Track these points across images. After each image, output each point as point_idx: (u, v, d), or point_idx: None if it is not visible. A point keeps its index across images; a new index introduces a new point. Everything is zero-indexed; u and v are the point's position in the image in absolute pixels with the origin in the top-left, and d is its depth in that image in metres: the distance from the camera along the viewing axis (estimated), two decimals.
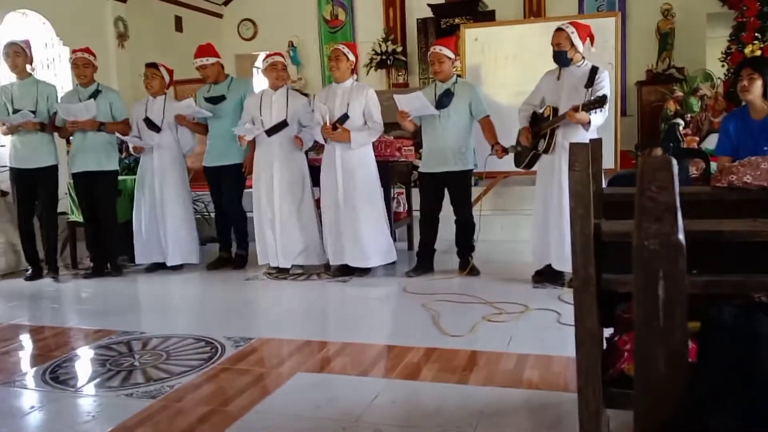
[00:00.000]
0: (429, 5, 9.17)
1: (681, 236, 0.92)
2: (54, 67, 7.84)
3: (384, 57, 9.63)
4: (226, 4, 10.88)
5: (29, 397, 2.83)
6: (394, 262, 4.88)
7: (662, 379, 0.92)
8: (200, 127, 5.24)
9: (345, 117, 4.62)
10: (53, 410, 2.69)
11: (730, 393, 0.94)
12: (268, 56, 4.98)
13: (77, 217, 5.40)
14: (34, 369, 3.19)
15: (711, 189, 2.10)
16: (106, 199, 5.15)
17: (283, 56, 5.02)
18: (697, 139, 6.26)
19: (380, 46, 9.64)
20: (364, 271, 4.78)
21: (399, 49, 9.72)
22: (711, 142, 6.54)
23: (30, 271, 5.19)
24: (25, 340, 3.75)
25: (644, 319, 0.94)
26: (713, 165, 5.27)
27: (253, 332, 3.57)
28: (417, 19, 9.64)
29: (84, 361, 3.28)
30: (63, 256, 5.64)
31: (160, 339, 3.51)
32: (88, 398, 2.77)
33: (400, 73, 9.86)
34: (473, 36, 5.63)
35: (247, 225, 5.29)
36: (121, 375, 3.00)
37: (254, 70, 10.55)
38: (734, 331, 0.99)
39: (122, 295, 4.67)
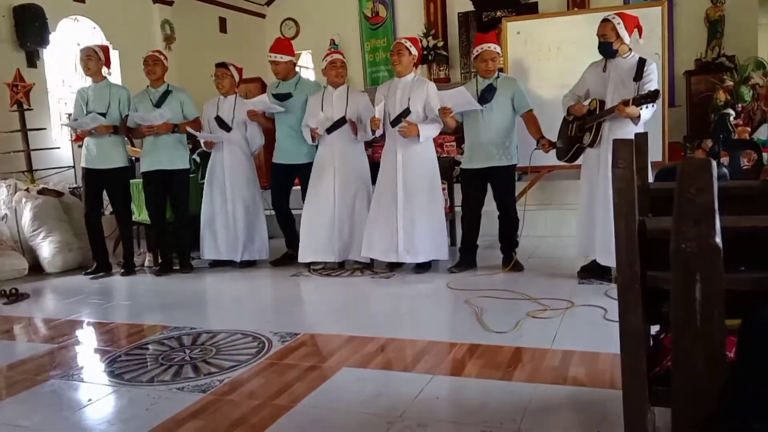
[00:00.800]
0: None
1: (718, 239, 0.91)
2: (104, 68, 8.07)
3: (425, 52, 9.61)
4: (268, 4, 11.02)
5: (86, 390, 2.94)
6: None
7: (700, 378, 0.91)
8: (269, 123, 5.31)
9: (407, 111, 4.62)
10: (109, 403, 2.79)
11: None
12: (327, 54, 5.07)
13: (140, 217, 5.56)
14: (92, 363, 3.32)
15: (761, 183, 2.05)
16: (181, 196, 5.29)
17: (342, 54, 5.08)
18: (749, 129, 6.09)
19: (421, 41, 9.62)
20: (421, 267, 4.77)
21: (440, 44, 9.71)
22: (763, 133, 6.35)
23: (93, 268, 5.36)
24: (82, 335, 3.89)
25: (682, 321, 0.94)
26: (765, 156, 5.13)
27: (299, 328, 3.63)
28: (458, 13, 9.61)
29: (137, 355, 3.39)
30: (116, 253, 5.82)
31: (210, 334, 3.61)
32: (141, 391, 2.86)
33: (441, 68, 9.84)
34: (515, 29, 5.58)
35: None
36: (173, 369, 3.10)
37: (296, 68, 10.65)
38: None
39: (177, 292, 4.79)
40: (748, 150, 5.15)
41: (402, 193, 4.65)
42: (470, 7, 9.26)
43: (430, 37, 9.69)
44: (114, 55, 7.96)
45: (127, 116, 5.22)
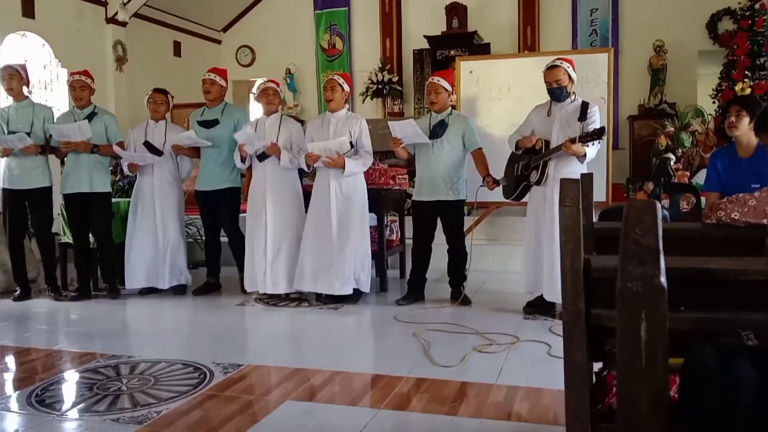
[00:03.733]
0: (425, 36, 9.31)
1: (663, 279, 0.94)
2: (52, 89, 7.88)
3: (380, 86, 9.73)
4: (224, 30, 11.00)
5: (13, 421, 2.79)
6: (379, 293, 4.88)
7: (644, 418, 0.93)
8: (195, 152, 5.27)
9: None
10: None
11: None
12: (262, 83, 5.06)
13: (68, 238, 5.38)
14: (19, 392, 3.15)
15: (701, 225, 2.13)
16: (100, 220, 5.15)
17: (275, 83, 5.08)
18: (688, 174, 6.34)
19: (376, 75, 9.75)
20: (354, 299, 4.76)
21: (395, 79, 9.83)
22: (701, 177, 6.60)
23: (18, 292, 5.15)
24: (11, 361, 3.71)
25: (627, 359, 0.95)
26: (703, 200, 5.33)
27: (242, 359, 3.55)
28: (413, 50, 9.77)
29: (70, 384, 3.25)
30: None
31: (149, 363, 3.48)
32: (73, 422, 2.74)
33: (395, 102, 9.96)
34: (468, 68, 5.72)
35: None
36: (108, 399, 2.97)
37: (251, 95, 10.63)
38: (714, 373, 1.00)
39: (111, 318, 4.63)
40: (687, 194, 5.35)
41: (335, 224, 4.67)
42: (425, 45, 9.44)
43: (385, 72, 9.81)
44: (62, 73, 7.80)
45: (51, 135, 5.06)
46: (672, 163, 6.43)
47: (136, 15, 8.96)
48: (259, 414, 2.77)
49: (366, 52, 10.10)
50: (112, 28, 8.68)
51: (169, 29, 9.88)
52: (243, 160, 4.95)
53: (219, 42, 11.01)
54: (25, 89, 5.17)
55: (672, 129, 7.38)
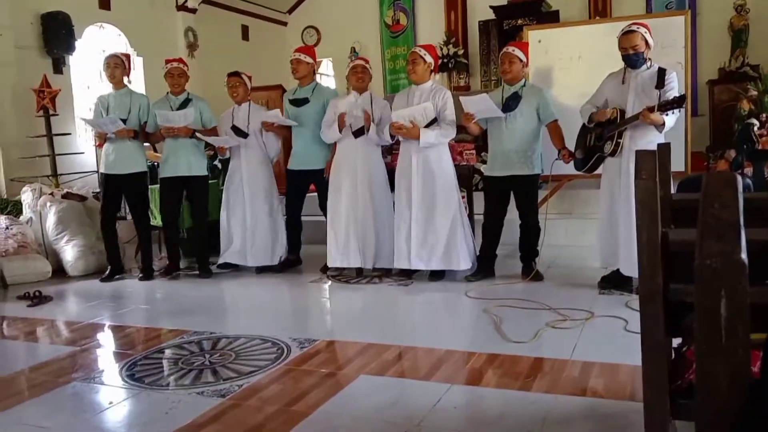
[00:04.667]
0: (491, 7, 9.13)
1: (743, 255, 0.91)
2: (129, 79, 8.18)
3: (445, 60, 9.63)
4: (290, 12, 11.12)
5: (107, 393, 2.97)
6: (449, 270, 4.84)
7: (723, 396, 0.90)
8: (285, 131, 5.37)
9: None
10: (130, 406, 2.82)
11: None
12: (352, 61, 5.14)
13: (157, 221, 5.62)
14: (112, 366, 3.36)
15: None
16: (200, 202, 5.37)
17: (365, 60, 5.12)
18: None
19: (442, 49, 9.65)
20: (434, 275, 4.76)
21: (460, 52, 9.72)
22: None
23: (108, 272, 5.43)
24: (103, 338, 3.94)
25: (706, 337, 0.93)
26: None
27: (317, 334, 3.65)
28: (479, 22, 9.61)
29: (158, 359, 3.43)
30: (136, 258, 5.89)
31: (230, 339, 3.63)
32: (162, 395, 2.89)
33: (461, 76, 9.85)
34: (536, 38, 5.57)
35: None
36: (193, 373, 3.12)
37: (317, 76, 10.72)
38: None
39: (194, 297, 4.83)
40: None
41: (417, 199, 4.65)
42: (491, 16, 9.26)
43: (451, 45, 9.70)
44: (138, 62, 8.10)
45: (146, 123, 5.28)
46: (755, 128, 6.10)
47: (205, 1, 9.19)
48: (334, 388, 2.84)
49: (430, 27, 10.00)
50: (183, 15, 8.93)
51: (237, 13, 10.09)
52: (340, 130, 4.88)
53: (285, 24, 11.15)
54: (125, 78, 5.41)
55: (755, 93, 6.99)
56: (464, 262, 4.68)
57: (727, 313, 0.90)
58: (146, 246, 5.45)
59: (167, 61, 5.36)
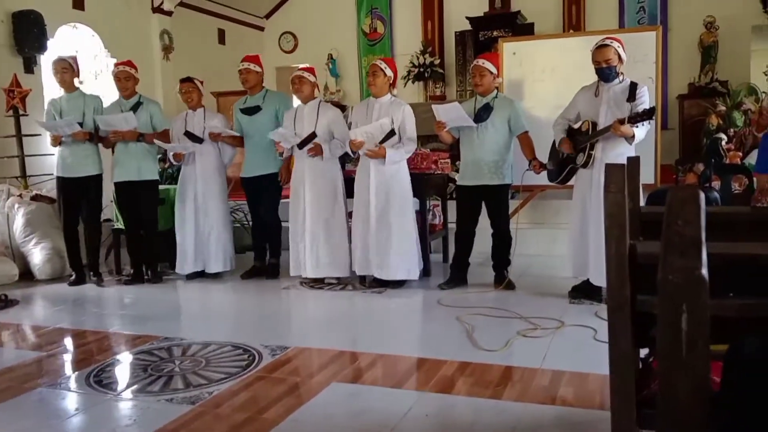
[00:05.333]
0: (467, 18, 9.21)
1: (705, 271, 0.94)
2: (102, 78, 8.10)
3: (422, 69, 9.70)
4: (267, 17, 11.10)
5: (73, 400, 2.92)
6: (422, 278, 4.91)
7: (684, 407, 0.93)
8: (236, 140, 5.36)
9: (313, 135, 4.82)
10: (96, 413, 2.77)
11: (751, 424, 0.95)
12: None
13: (121, 224, 5.56)
14: (78, 372, 3.30)
15: (750, 209, 2.08)
16: (147, 207, 5.31)
17: (307, 69, 5.09)
18: (740, 154, 6.14)
19: (418, 58, 9.72)
20: (398, 284, 4.80)
21: (437, 62, 9.78)
22: (755, 158, 6.40)
23: (73, 277, 5.35)
24: (70, 343, 3.87)
25: (668, 349, 0.95)
26: (756, 181, 5.17)
27: (289, 341, 3.63)
28: (455, 32, 9.69)
29: (126, 365, 3.38)
30: (107, 261, 5.81)
31: (200, 345, 3.60)
32: (129, 402, 2.85)
33: (437, 86, 9.91)
34: (511, 50, 5.65)
35: (281, 234, 5.38)
36: (162, 380, 3.09)
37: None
38: (756, 362, 0.99)
39: (163, 302, 4.78)
40: (739, 175, 5.19)
41: (374, 211, 4.69)
42: (468, 27, 9.34)
43: (427, 55, 9.76)
44: (111, 63, 8.00)
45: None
46: (723, 143, 6.24)
47: (181, 4, 9.13)
48: (305, 396, 2.83)
49: (407, 35, 10.06)
50: (158, 17, 8.86)
51: (214, 17, 10.03)
52: (281, 154, 5.03)
53: (262, 29, 11.12)
54: (76, 81, 5.35)
55: (723, 108, 7.16)
56: (416, 273, 4.81)
57: (688, 328, 0.93)
58: (96, 250, 5.40)
59: (115, 65, 5.34)
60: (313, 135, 4.90)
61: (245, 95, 5.43)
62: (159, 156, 5.65)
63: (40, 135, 7.12)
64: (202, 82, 5.41)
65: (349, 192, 5.00)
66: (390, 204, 4.69)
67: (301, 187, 4.98)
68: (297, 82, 5.00)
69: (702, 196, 0.94)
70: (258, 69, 5.29)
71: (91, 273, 5.38)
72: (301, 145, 4.92)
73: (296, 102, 5.40)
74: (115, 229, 5.69)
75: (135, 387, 3.04)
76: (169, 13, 8.96)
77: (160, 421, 2.61)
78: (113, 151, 5.71)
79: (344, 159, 5.23)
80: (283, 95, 5.62)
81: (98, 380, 3.13)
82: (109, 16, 8.17)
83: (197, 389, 2.94)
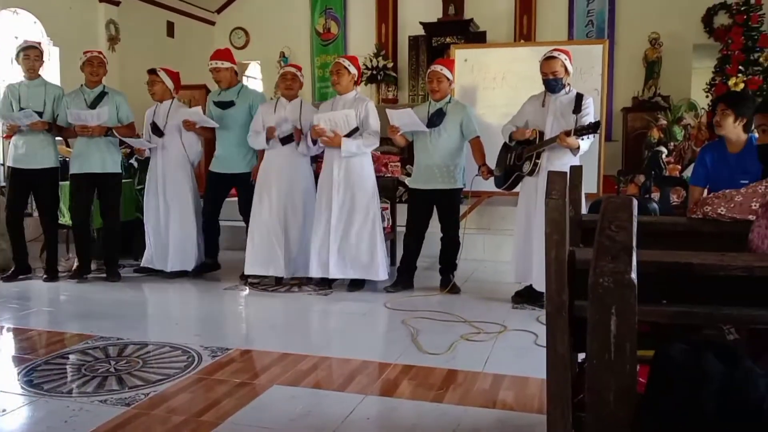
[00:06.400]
0: (421, 23, 9.28)
1: (634, 276, 0.96)
2: (43, 67, 7.79)
3: (374, 72, 9.70)
4: (218, 11, 10.92)
5: (2, 400, 2.79)
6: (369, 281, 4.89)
7: (611, 409, 0.95)
8: (208, 132, 5.23)
9: (355, 130, 4.66)
10: (26, 414, 2.66)
11: (676, 428, 0.97)
12: (282, 67, 5.13)
13: (66, 220, 5.35)
14: (9, 371, 3.16)
15: (687, 220, 2.15)
16: (111, 201, 5.13)
17: (296, 67, 5.07)
18: (679, 167, 6.36)
19: (371, 61, 9.72)
20: (353, 285, 4.77)
21: (390, 65, 9.80)
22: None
23: (12, 271, 5.13)
24: (2, 341, 3.71)
25: (596, 352, 0.97)
26: None
27: (231, 343, 3.56)
28: (409, 36, 9.74)
29: (59, 365, 3.26)
30: (42, 257, 5.59)
31: (137, 346, 3.49)
32: (61, 403, 2.74)
33: (390, 89, 9.93)
34: (463, 56, 5.70)
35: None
36: (96, 381, 2.98)
37: (244, 78, 10.56)
38: (682, 367, 1.02)
39: (103, 300, 4.63)
40: (678, 187, 5.38)
41: (336, 208, 4.65)
42: (421, 32, 9.41)
43: (380, 58, 9.78)
44: (54, 52, 7.74)
45: (58, 115, 5.03)
46: (664, 156, 6.45)
47: None
48: (246, 398, 2.78)
49: (361, 37, 10.06)
50: (105, 7, 8.61)
51: (163, 9, 9.81)
52: (268, 141, 4.84)
53: (213, 23, 10.94)
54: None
55: (665, 122, 7.40)
56: (382, 272, 4.73)
57: (617, 330, 0.95)
58: (52, 245, 5.17)
59: (85, 52, 5.13)
60: (298, 132, 4.83)
61: (204, 89, 5.32)
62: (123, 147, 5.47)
63: None
64: (175, 74, 5.23)
65: None
66: (354, 202, 4.65)
67: (269, 183, 4.86)
68: (289, 79, 4.93)
69: (635, 203, 0.96)
70: (227, 65, 5.17)
71: (45, 268, 5.14)
72: (284, 141, 4.82)
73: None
74: (62, 225, 5.43)
75: (68, 387, 2.93)
76: (117, 3, 8.72)
77: (93, 422, 2.52)
78: (66, 144, 5.50)
79: (312, 159, 5.16)
80: (260, 93, 5.53)
81: (29, 380, 3.01)
82: (53, 3, 7.89)
83: (133, 390, 2.86)
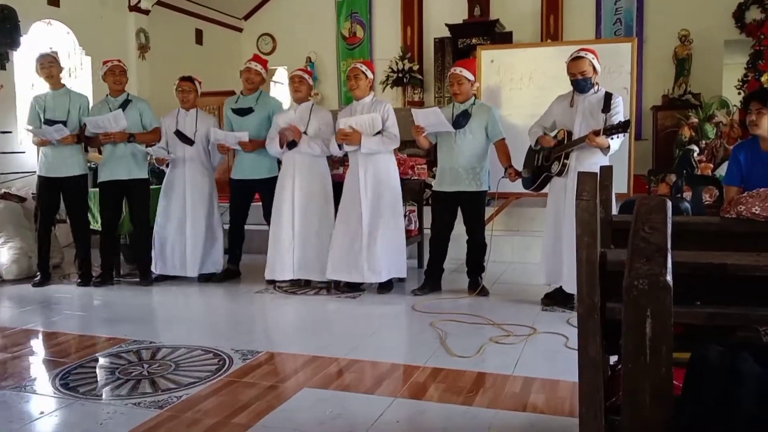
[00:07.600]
0: (447, 25, 9.26)
1: (669, 278, 0.95)
2: (76, 76, 7.98)
3: (400, 75, 9.72)
4: (246, 18, 11.04)
5: (39, 403, 2.86)
6: (403, 279, 4.91)
7: (647, 412, 0.94)
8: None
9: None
10: (62, 416, 2.72)
11: (712, 429, 0.96)
12: (292, 72, 5.13)
13: (97, 225, 5.45)
14: (45, 374, 3.23)
15: (720, 219, 2.11)
16: (140, 207, 5.21)
17: (304, 71, 5.09)
18: (711, 166, 6.25)
19: (397, 63, 9.74)
20: (383, 287, 4.78)
21: (415, 68, 9.81)
22: (725, 170, 6.51)
23: (39, 277, 5.24)
24: (36, 345, 3.80)
25: (632, 355, 0.96)
26: None
27: (260, 346, 3.59)
28: (434, 38, 9.73)
29: (93, 368, 3.32)
30: (75, 262, 5.69)
31: (169, 349, 3.54)
32: (96, 406, 2.80)
33: (415, 91, 9.93)
34: (489, 57, 5.67)
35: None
36: (130, 384, 3.03)
37: (272, 83, 10.66)
38: (718, 369, 1.00)
39: (133, 305, 4.71)
40: (710, 186, 5.28)
41: (367, 212, 4.67)
42: (447, 33, 9.39)
43: (406, 60, 9.79)
44: (86, 61, 7.90)
45: (86, 124, 5.11)
46: (695, 154, 6.35)
47: (159, 3, 9.04)
48: (276, 401, 2.80)
49: (387, 41, 10.08)
50: (135, 16, 8.76)
51: (191, 17, 9.95)
52: (281, 146, 4.89)
53: (240, 30, 11.05)
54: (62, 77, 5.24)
55: (696, 120, 7.28)
56: (404, 270, 4.83)
57: (652, 333, 0.94)
58: (85, 251, 5.27)
59: (105, 62, 5.23)
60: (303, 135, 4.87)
61: (235, 95, 5.39)
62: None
63: (10, 132, 7.01)
64: (200, 83, 5.33)
65: (337, 197, 4.95)
66: (380, 205, 4.68)
67: (288, 188, 4.92)
68: (297, 82, 4.98)
69: (669, 204, 0.94)
70: (264, 73, 5.29)
71: (80, 274, 5.23)
72: (290, 146, 4.87)
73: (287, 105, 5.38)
74: (93, 230, 5.54)
75: (102, 390, 2.98)
76: (146, 12, 8.87)
77: (127, 425, 2.56)
78: (99, 152, 5.60)
79: (332, 164, 5.18)
80: (277, 100, 5.59)
81: (64, 383, 3.07)
82: (85, 14, 8.06)
83: (166, 393, 2.90)
